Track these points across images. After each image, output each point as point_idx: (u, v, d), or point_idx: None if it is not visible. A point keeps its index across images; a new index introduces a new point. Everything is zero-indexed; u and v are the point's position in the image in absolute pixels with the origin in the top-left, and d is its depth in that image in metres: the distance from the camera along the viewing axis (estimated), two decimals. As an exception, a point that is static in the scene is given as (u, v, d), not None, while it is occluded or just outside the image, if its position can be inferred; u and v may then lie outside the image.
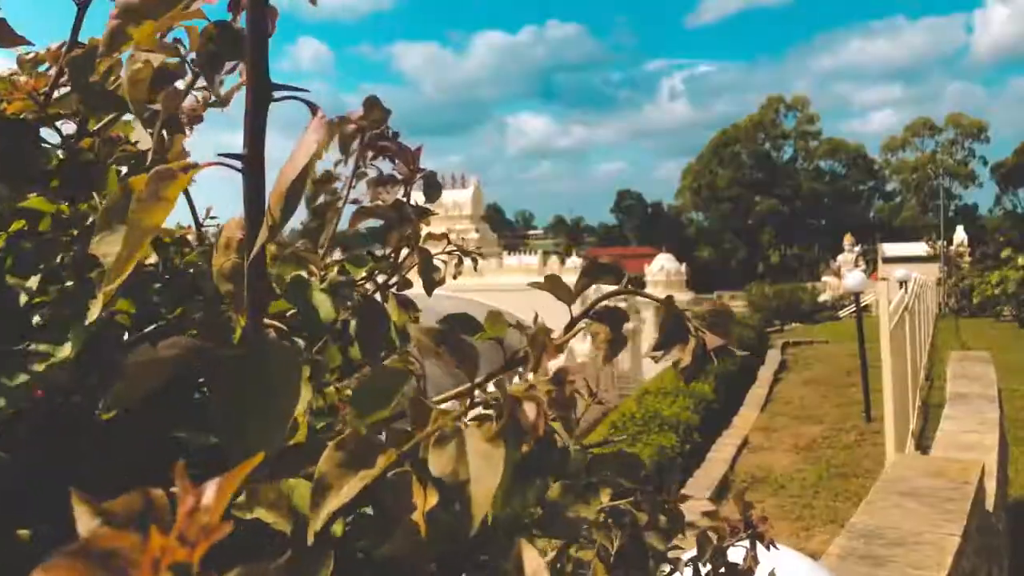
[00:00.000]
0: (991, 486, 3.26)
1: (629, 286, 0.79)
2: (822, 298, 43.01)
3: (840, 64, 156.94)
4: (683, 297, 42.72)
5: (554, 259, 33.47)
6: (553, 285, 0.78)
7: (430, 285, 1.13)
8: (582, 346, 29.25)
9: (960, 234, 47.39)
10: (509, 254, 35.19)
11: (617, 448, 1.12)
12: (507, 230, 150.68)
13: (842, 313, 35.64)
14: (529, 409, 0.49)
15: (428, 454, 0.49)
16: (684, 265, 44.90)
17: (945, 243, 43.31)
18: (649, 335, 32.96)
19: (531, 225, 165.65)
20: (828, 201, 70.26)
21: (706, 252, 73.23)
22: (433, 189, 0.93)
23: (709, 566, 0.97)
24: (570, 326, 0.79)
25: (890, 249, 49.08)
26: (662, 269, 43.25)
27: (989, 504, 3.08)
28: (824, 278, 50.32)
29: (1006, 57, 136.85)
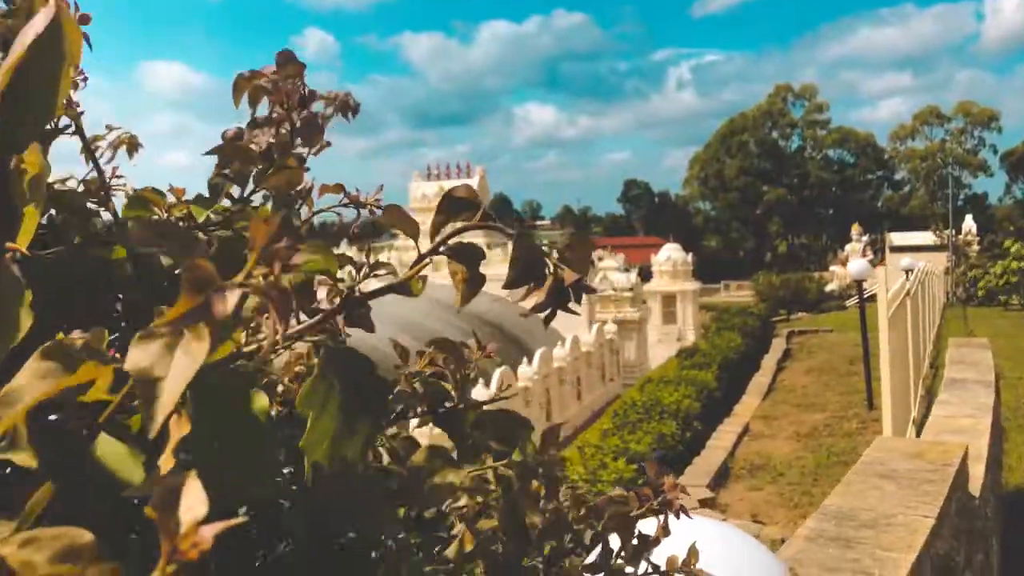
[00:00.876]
0: (978, 470, 3.17)
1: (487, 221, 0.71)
2: (829, 288, 42.83)
3: (848, 52, 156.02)
4: (690, 287, 42.61)
5: (559, 249, 33.32)
6: (397, 218, 0.70)
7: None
8: (587, 336, 29.18)
9: (969, 223, 47.09)
10: (515, 244, 35.08)
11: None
12: (514, 220, 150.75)
13: (848, 303, 35.50)
14: (224, 298, 0.38)
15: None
16: (691, 255, 44.77)
17: (953, 232, 43.02)
18: (656, 324, 32.79)
19: (538, 215, 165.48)
20: (836, 190, 69.92)
21: (713, 242, 73.00)
22: (312, 131, 0.86)
23: (618, 539, 0.89)
24: (418, 261, 0.72)
25: (898, 238, 48.82)
26: (669, 259, 43.09)
27: (975, 488, 2.99)
28: (832, 268, 50.12)
29: (1017, 45, 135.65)
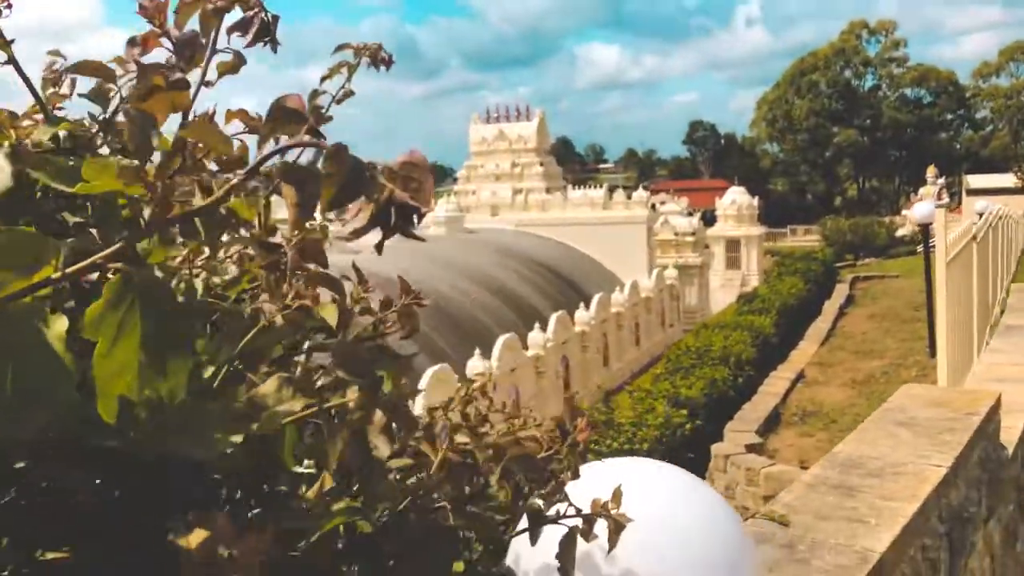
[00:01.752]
0: (1014, 420, 3.01)
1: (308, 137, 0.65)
2: (900, 232, 41.46)
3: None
4: (755, 231, 41.78)
5: (620, 193, 32.88)
6: (203, 133, 0.64)
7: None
8: (646, 282, 28.90)
9: (1054, 164, 44.78)
10: (575, 188, 34.73)
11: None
12: (576, 164, 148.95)
13: (920, 248, 34.42)
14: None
15: None
16: (756, 199, 43.76)
17: (1036, 174, 41.03)
18: (719, 269, 32.37)
19: (601, 159, 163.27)
20: (912, 131, 67.08)
21: (781, 185, 71.14)
22: (189, 50, 0.80)
23: (522, 479, 0.85)
24: (251, 170, 0.66)
25: (975, 181, 46.85)
26: (733, 203, 42.22)
27: (1009, 439, 2.84)
28: (904, 212, 48.42)
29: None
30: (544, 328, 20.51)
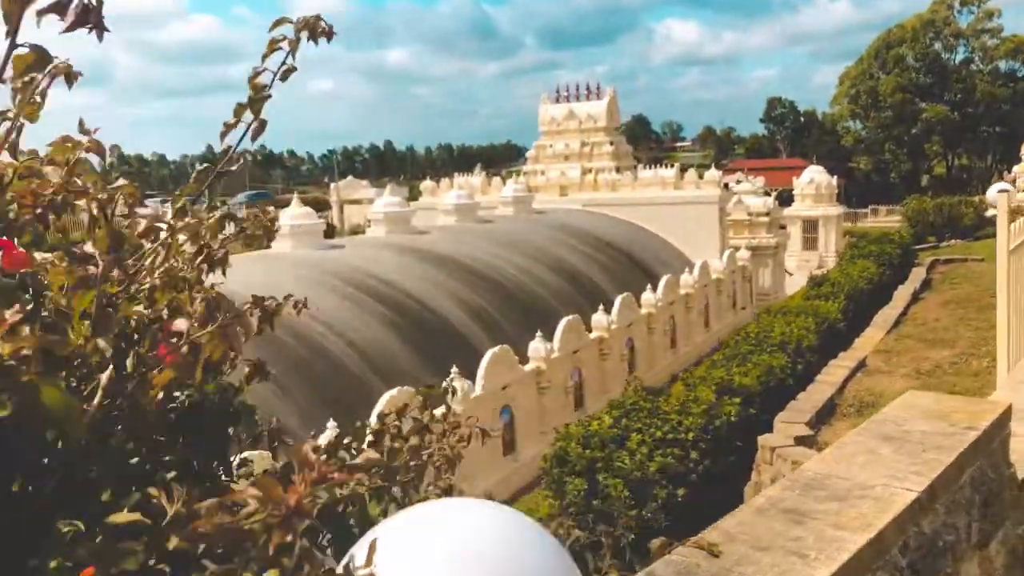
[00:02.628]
0: None
1: None
2: (990, 212, 39.67)
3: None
4: (833, 211, 40.56)
5: (692, 172, 32.26)
6: None
7: None
8: (716, 263, 28.36)
9: None
10: (645, 167, 34.23)
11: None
12: (653, 142, 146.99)
13: (1010, 229, 32.77)
14: None
15: None
16: (836, 178, 42.41)
17: None
18: (796, 250, 31.62)
19: (679, 137, 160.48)
20: (1006, 106, 63.83)
21: (863, 164, 68.72)
22: None
23: None
24: None
25: (1074, 159, 44.33)
26: (811, 182, 41.07)
27: (1020, 454, 2.61)
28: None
29: None
30: (608, 311, 20.33)
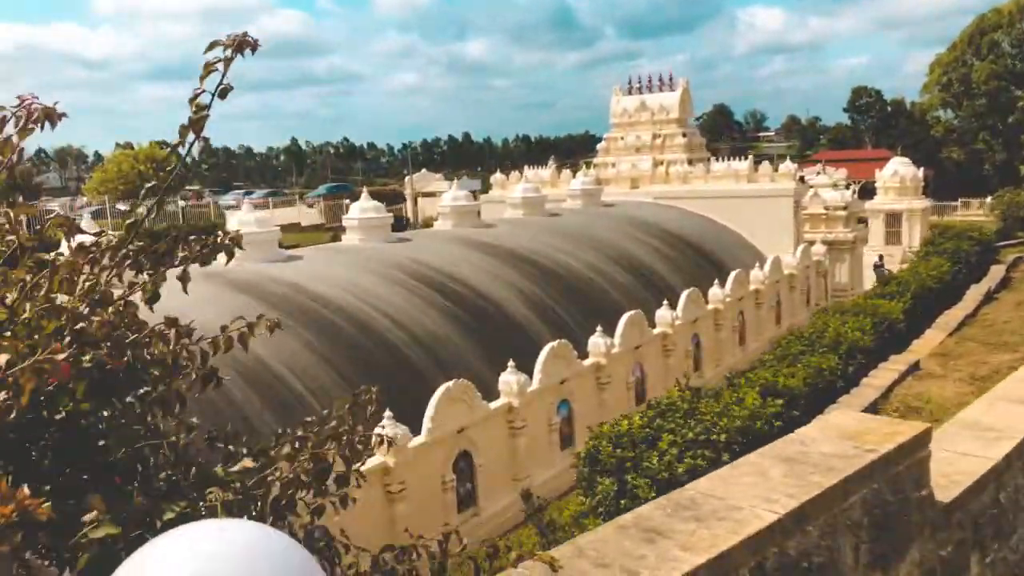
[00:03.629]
0: (948, 457, 2.68)
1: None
2: (1089, 207, 37.63)
3: None
4: (918, 204, 39.15)
5: (766, 165, 31.62)
6: None
7: None
8: (789, 259, 27.78)
9: None
10: (727, 160, 33.70)
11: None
12: (735, 132, 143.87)
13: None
14: None
15: None
16: (922, 169, 40.91)
17: None
18: (878, 244, 30.67)
19: (762, 126, 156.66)
20: (1112, 93, 60.39)
21: (955, 154, 65.99)
22: None
23: None
24: None
25: None
26: (895, 174, 39.73)
27: (940, 476, 2.54)
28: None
29: None
30: (673, 306, 20.18)
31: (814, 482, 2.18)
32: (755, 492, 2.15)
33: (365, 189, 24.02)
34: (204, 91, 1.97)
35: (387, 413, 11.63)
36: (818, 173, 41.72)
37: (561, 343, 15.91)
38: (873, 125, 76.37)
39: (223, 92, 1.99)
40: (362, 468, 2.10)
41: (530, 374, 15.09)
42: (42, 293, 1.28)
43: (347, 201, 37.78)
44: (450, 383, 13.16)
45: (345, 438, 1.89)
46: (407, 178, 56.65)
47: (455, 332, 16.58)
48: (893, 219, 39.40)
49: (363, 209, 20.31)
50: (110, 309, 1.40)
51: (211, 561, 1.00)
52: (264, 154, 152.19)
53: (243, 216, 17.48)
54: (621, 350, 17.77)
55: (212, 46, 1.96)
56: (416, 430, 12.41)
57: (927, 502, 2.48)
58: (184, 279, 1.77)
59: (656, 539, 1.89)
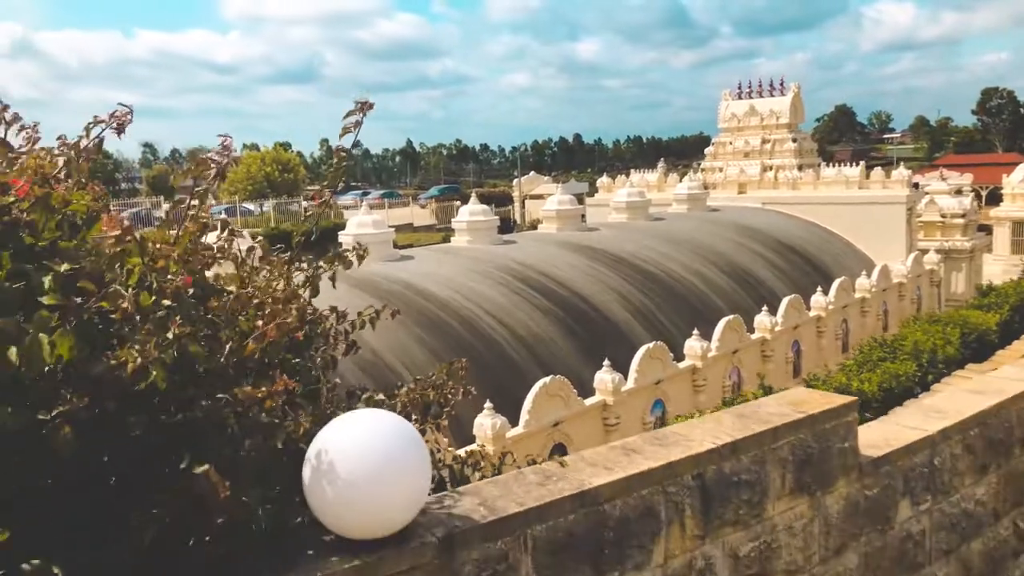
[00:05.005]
0: (896, 428, 3.31)
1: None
2: None
3: None
4: (1049, 213, 37.40)
5: (879, 171, 31.09)
6: None
7: None
8: (899, 267, 27.32)
9: None
10: (836, 165, 33.32)
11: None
12: (858, 134, 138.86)
13: None
14: None
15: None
16: (1056, 175, 39.07)
17: None
18: (1003, 253, 29.66)
19: (887, 128, 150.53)
20: None
21: (1096, 159, 62.12)
22: None
23: None
24: None
25: None
26: (1024, 180, 38.11)
27: (879, 444, 3.18)
28: None
29: None
30: (773, 312, 20.38)
31: (750, 428, 2.89)
32: (708, 432, 2.88)
33: (474, 192, 25.18)
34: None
35: (487, 404, 12.56)
36: (944, 178, 40.44)
37: (657, 345, 16.47)
38: (1005, 128, 72.71)
39: (354, 146, 2.91)
40: (461, 453, 2.99)
41: (626, 374, 15.71)
42: (259, 284, 2.16)
43: (457, 203, 39.20)
44: (547, 379, 13.98)
45: (441, 389, 2.74)
46: (515, 181, 57.83)
47: (555, 331, 17.39)
48: (1020, 227, 37.83)
49: (471, 212, 21.41)
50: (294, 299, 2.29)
51: (374, 420, 1.90)
52: (380, 155, 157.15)
53: (361, 218, 18.83)
54: (718, 354, 18.15)
55: (349, 114, 2.89)
56: (514, 422, 13.27)
57: (849, 452, 3.14)
58: (333, 279, 2.63)
59: (631, 454, 2.66)
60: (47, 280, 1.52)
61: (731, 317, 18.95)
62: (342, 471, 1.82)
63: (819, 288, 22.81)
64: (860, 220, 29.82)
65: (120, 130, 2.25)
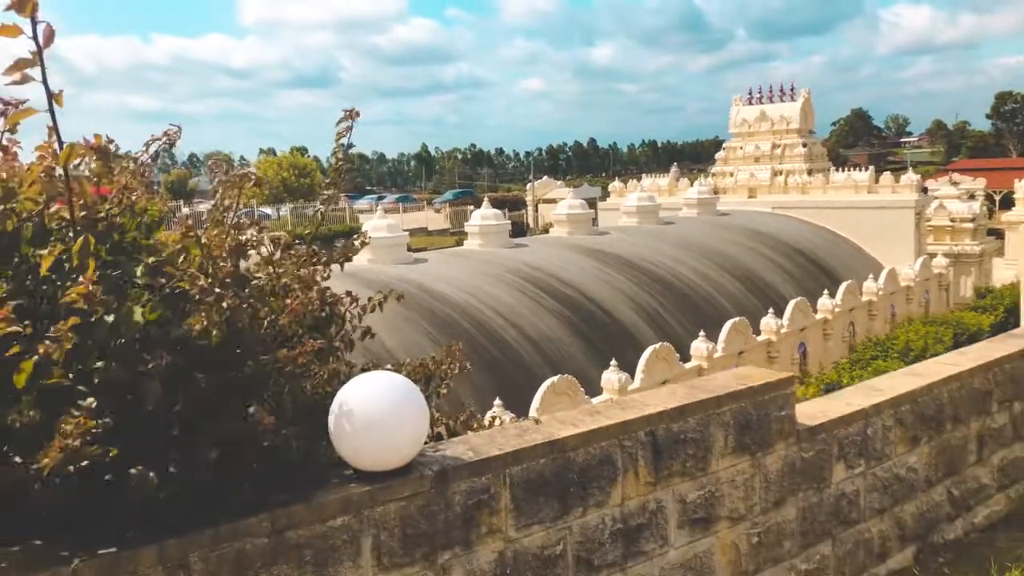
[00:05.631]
0: (838, 404, 3.81)
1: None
2: None
3: None
4: (1063, 217, 37.55)
5: (888, 175, 31.39)
6: None
7: None
8: (907, 271, 27.64)
9: None
10: (849, 169, 33.65)
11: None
12: (874, 137, 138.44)
13: None
14: None
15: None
16: (1069, 180, 39.17)
17: None
18: (1015, 259, 29.84)
19: (904, 131, 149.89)
20: None
21: (1111, 164, 61.95)
22: None
23: None
24: None
25: None
26: (1035, 185, 38.27)
27: (818, 415, 3.68)
28: None
29: None
30: (779, 315, 20.75)
31: (696, 396, 3.38)
32: (663, 399, 3.36)
33: (486, 197, 25.73)
34: (341, 145, 3.39)
35: (497, 400, 13.06)
36: (954, 183, 40.59)
37: (664, 345, 16.88)
38: (1019, 131, 72.56)
39: (349, 147, 3.44)
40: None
41: (633, 374, 16.15)
42: (284, 271, 2.67)
43: (471, 207, 39.78)
44: (555, 378, 14.46)
45: (440, 365, 3.26)
46: (528, 185, 58.37)
47: (563, 331, 17.87)
48: (1039, 232, 37.95)
49: (483, 216, 21.95)
50: (314, 288, 2.80)
51: (384, 378, 2.42)
52: (396, 160, 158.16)
53: (376, 222, 19.40)
54: (723, 355, 18.53)
55: (340, 120, 3.41)
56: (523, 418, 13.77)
57: (787, 420, 3.63)
58: (342, 264, 3.15)
59: (595, 414, 3.15)
60: (139, 268, 2.04)
61: (737, 319, 19.34)
62: (359, 416, 2.34)
63: (825, 291, 23.14)
64: (869, 224, 30.14)
65: (171, 144, 2.80)
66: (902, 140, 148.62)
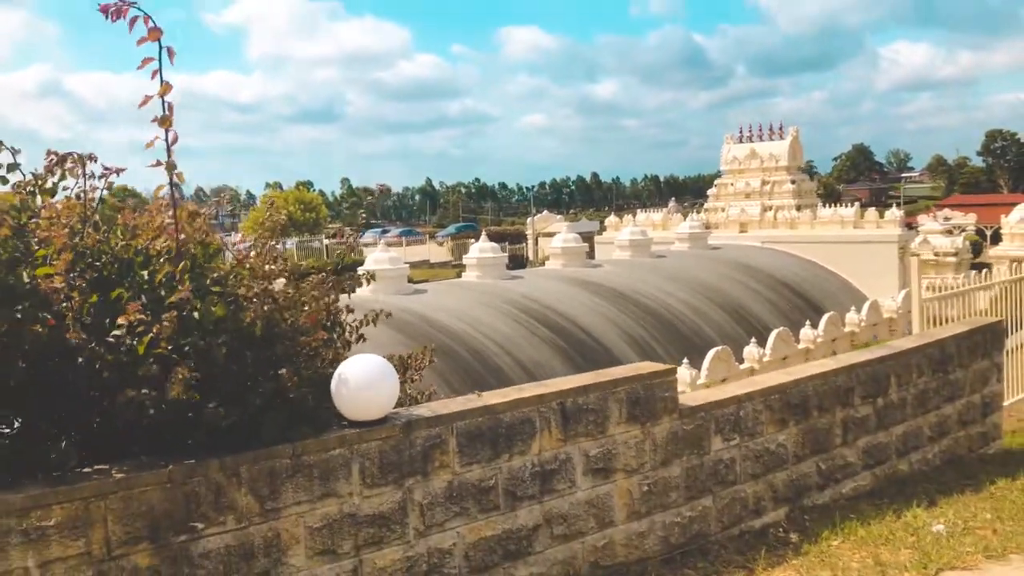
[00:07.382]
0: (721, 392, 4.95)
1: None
2: None
3: None
4: (1048, 253, 38.65)
5: (872, 211, 32.62)
6: None
7: None
8: (890, 302, 28.68)
9: None
10: (826, 206, 34.95)
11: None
12: (876, 173, 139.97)
13: None
14: None
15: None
16: (1056, 216, 40.33)
17: None
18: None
19: (905, 166, 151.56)
20: None
21: (1101, 199, 63.12)
22: None
23: None
24: None
25: None
26: (1022, 220, 39.38)
27: (699, 399, 4.80)
28: None
29: None
30: (762, 344, 21.76)
31: (600, 379, 4.50)
32: (574, 382, 4.48)
33: (484, 230, 26.97)
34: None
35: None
36: (947, 219, 41.74)
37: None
38: (1010, 169, 73.97)
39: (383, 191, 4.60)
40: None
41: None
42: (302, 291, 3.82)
43: (472, 240, 41.05)
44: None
45: (413, 359, 4.40)
46: (528, 220, 59.74)
47: (555, 359, 18.95)
48: (1019, 266, 39.00)
49: (481, 249, 23.15)
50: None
51: (369, 358, 3.56)
52: (400, 194, 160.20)
53: (378, 255, 20.61)
54: (707, 381, 19.53)
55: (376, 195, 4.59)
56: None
57: (670, 400, 4.73)
58: (348, 292, 4.30)
59: (521, 390, 4.30)
60: (208, 281, 3.22)
61: (720, 348, 20.34)
62: (352, 383, 3.47)
63: (808, 322, 24.15)
64: (855, 258, 31.20)
65: (230, 207, 4.03)
66: (903, 175, 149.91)
